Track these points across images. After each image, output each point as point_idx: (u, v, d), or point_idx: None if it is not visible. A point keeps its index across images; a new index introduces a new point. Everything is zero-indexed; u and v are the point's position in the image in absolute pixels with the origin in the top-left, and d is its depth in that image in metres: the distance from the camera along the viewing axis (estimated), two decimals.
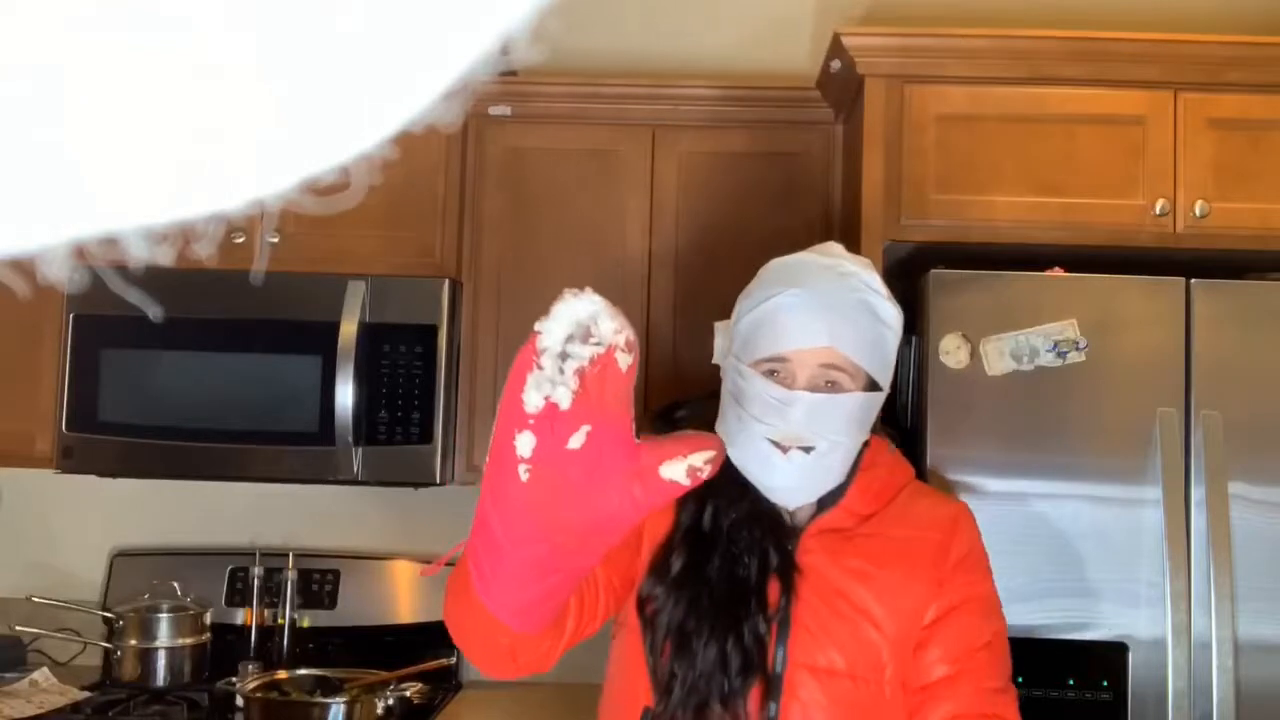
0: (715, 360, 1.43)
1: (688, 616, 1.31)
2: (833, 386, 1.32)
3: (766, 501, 1.36)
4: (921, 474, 2.02)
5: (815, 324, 1.31)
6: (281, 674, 2.36)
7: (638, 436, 0.91)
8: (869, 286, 1.34)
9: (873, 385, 1.35)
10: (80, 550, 2.81)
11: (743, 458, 1.32)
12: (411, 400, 2.39)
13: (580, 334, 0.87)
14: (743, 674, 1.28)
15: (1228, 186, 2.14)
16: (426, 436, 2.39)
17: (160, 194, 0.28)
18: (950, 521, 1.43)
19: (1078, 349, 2.01)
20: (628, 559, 1.34)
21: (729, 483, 1.31)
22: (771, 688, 1.30)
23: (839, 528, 1.39)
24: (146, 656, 2.46)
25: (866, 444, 1.40)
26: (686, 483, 0.90)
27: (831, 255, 1.39)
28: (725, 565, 1.33)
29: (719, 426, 1.36)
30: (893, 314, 1.36)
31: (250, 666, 2.43)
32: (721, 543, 1.34)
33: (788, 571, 1.34)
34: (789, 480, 1.32)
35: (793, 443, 1.30)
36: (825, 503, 1.39)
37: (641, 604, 1.35)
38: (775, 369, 1.32)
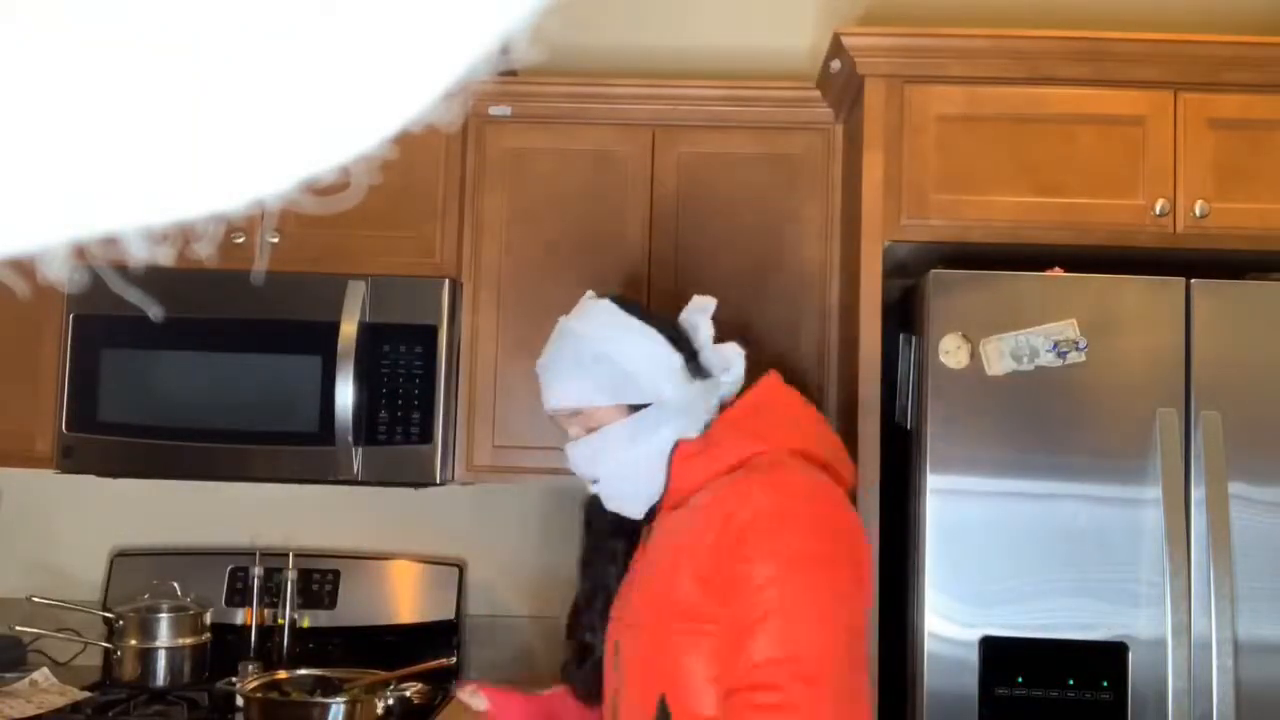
0: None
1: (582, 588, 1.68)
2: (589, 429, 1.55)
3: None
4: (919, 475, 2.02)
5: (543, 394, 1.57)
6: (281, 674, 2.36)
7: None
8: (570, 329, 1.55)
9: (635, 405, 1.53)
10: (80, 550, 2.81)
11: None
12: (411, 400, 2.39)
13: None
14: (603, 627, 1.59)
15: (1228, 186, 2.14)
16: (426, 436, 2.39)
17: (160, 194, 0.28)
18: (726, 510, 1.44)
19: (1078, 349, 2.01)
20: None
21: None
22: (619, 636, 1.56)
23: (670, 507, 1.57)
24: (146, 656, 2.45)
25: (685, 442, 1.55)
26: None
27: (566, 317, 1.60)
28: (597, 550, 1.66)
29: None
30: (587, 330, 1.54)
31: (250, 666, 2.43)
32: (592, 535, 1.68)
33: (635, 545, 1.61)
34: (606, 502, 1.60)
35: (585, 480, 1.59)
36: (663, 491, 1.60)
37: None
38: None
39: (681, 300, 2.51)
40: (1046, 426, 2.01)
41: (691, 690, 1.43)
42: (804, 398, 1.65)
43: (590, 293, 1.64)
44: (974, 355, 2.01)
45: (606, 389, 1.51)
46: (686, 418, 1.53)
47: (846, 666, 1.37)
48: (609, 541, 1.65)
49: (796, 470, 1.49)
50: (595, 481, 1.57)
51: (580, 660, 1.66)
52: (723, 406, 1.58)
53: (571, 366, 1.53)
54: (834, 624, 1.38)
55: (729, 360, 1.60)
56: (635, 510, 1.57)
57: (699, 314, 1.64)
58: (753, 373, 1.64)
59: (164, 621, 2.48)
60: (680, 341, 1.58)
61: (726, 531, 1.41)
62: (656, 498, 1.56)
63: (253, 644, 2.61)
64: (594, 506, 1.67)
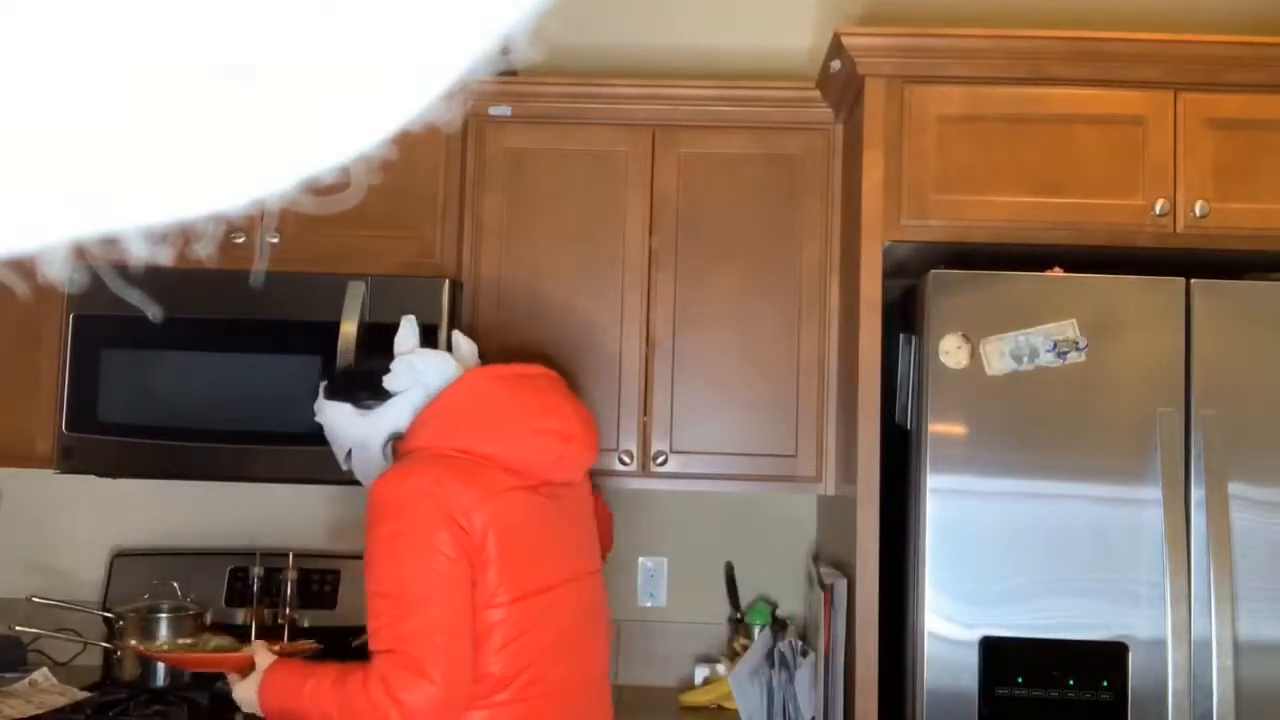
0: None
1: None
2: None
3: None
4: (919, 475, 2.02)
5: None
6: None
7: None
8: None
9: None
10: (80, 550, 2.81)
11: None
12: None
13: None
14: None
15: (1228, 186, 2.14)
16: None
17: (160, 194, 0.28)
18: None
19: (1078, 349, 2.01)
20: None
21: None
22: None
23: None
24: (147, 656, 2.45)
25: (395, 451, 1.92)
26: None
27: None
28: None
29: None
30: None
31: None
32: None
33: None
34: None
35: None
36: None
37: None
38: None
39: (682, 299, 2.52)
40: (1046, 426, 2.01)
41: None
42: (510, 392, 1.86)
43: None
44: (974, 355, 2.01)
45: (333, 441, 1.98)
46: (378, 429, 1.90)
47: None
48: None
49: (415, 464, 1.78)
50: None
51: None
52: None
53: None
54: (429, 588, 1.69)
55: (415, 374, 1.88)
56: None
57: (399, 336, 1.96)
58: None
59: (164, 621, 2.48)
60: (361, 387, 1.92)
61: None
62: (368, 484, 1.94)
63: None
64: None
